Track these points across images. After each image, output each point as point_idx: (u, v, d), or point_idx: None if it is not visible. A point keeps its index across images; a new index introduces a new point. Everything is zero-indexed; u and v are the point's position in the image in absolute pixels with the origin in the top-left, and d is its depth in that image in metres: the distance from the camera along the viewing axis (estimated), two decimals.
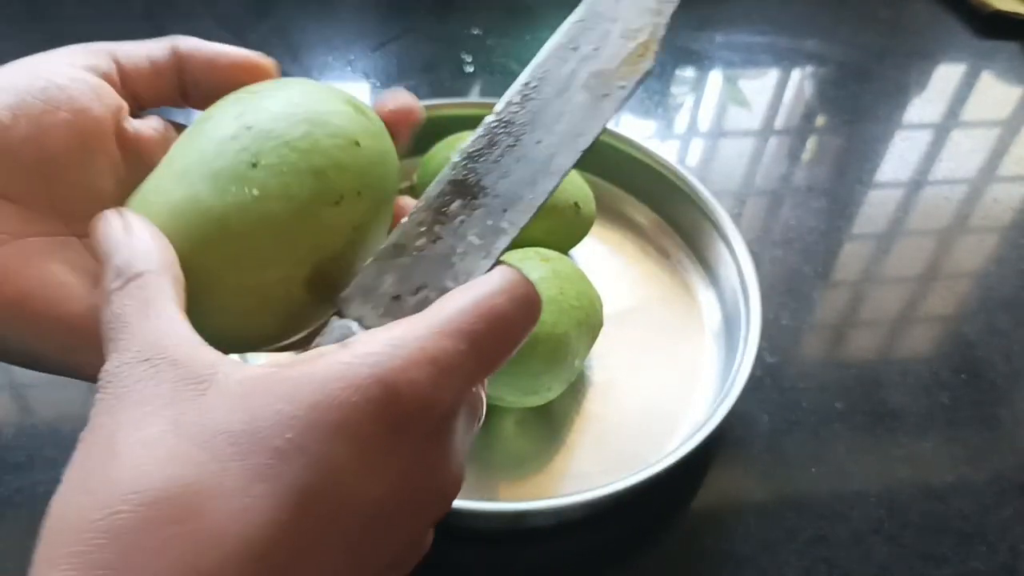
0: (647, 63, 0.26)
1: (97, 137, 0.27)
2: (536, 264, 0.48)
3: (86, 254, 0.27)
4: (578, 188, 0.55)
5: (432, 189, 0.26)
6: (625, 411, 0.50)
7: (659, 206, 0.61)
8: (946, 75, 0.84)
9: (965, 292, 0.63)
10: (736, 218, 0.66)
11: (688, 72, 0.81)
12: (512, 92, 0.27)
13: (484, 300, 0.22)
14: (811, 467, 0.50)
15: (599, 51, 0.27)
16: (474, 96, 0.75)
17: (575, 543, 0.47)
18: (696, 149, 0.74)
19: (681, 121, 0.76)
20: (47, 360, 0.26)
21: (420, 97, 0.61)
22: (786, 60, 0.84)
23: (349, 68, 0.77)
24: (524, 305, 0.23)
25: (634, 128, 0.75)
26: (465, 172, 0.26)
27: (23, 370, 0.53)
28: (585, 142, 0.26)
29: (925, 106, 0.80)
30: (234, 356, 0.27)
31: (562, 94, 0.27)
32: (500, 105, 0.27)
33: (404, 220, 0.26)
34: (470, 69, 0.77)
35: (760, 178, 0.71)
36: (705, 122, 0.77)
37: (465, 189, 0.26)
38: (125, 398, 0.20)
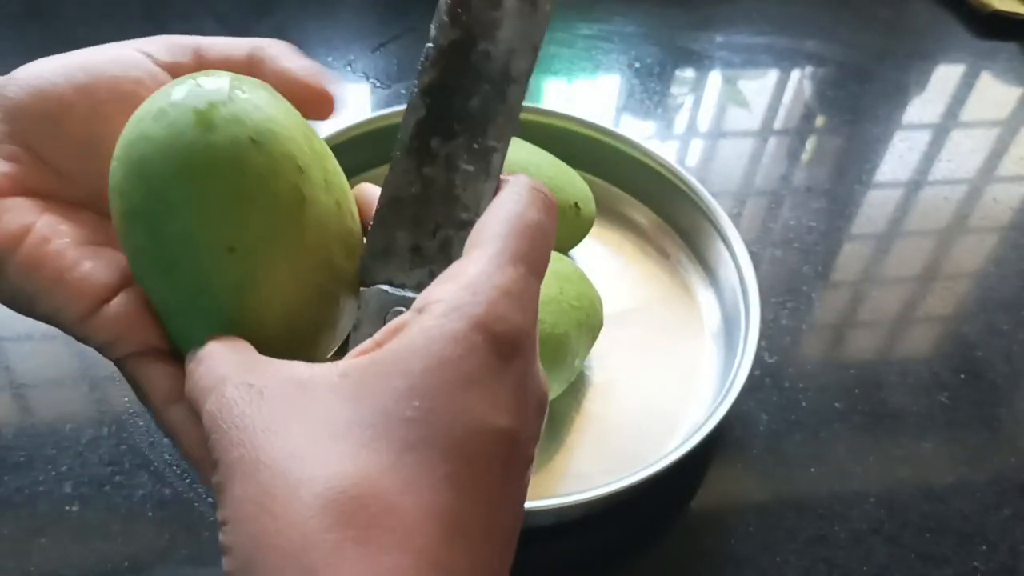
0: None
1: None
2: None
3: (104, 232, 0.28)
4: (578, 188, 0.55)
5: (403, 135, 0.26)
6: (625, 411, 0.50)
7: (659, 206, 0.61)
8: (946, 75, 0.84)
9: (965, 292, 0.63)
10: (736, 218, 0.66)
11: (688, 72, 0.81)
12: (439, 16, 0.26)
13: (517, 220, 0.23)
14: (811, 467, 0.50)
15: None
16: None
17: (575, 543, 0.47)
18: (696, 149, 0.74)
19: (681, 121, 0.76)
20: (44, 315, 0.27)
21: None
22: (786, 60, 0.84)
23: (349, 68, 0.77)
24: (546, 207, 0.24)
25: (634, 128, 0.75)
26: (427, 108, 0.26)
27: (23, 370, 0.53)
28: (536, 40, 0.26)
29: (925, 106, 0.80)
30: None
31: (492, 2, 0.26)
32: (433, 31, 0.26)
33: (387, 175, 0.26)
34: None
35: (760, 178, 0.71)
36: (705, 122, 0.77)
37: (436, 124, 0.26)
38: (246, 426, 0.21)
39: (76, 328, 0.27)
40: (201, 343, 0.25)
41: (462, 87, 0.26)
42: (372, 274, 0.26)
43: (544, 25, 0.26)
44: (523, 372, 0.22)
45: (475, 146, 0.26)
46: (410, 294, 0.25)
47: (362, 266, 0.26)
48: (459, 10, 0.26)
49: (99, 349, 0.27)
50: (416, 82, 0.26)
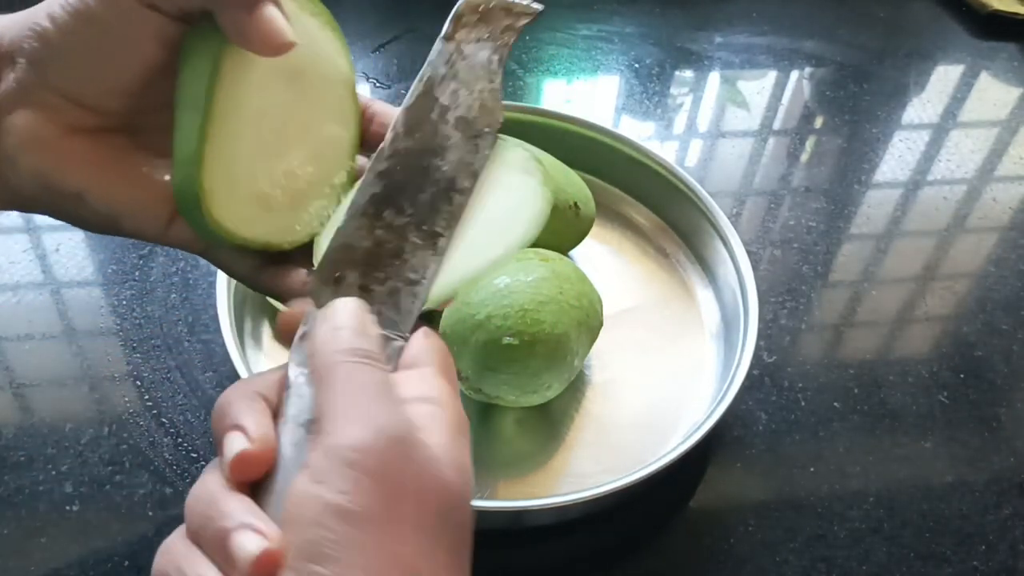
0: (499, 115, 0.33)
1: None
2: (536, 264, 0.48)
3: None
4: (578, 189, 0.55)
5: (358, 200, 0.31)
6: (625, 411, 0.51)
7: (658, 206, 0.61)
8: (945, 75, 0.84)
9: (964, 292, 0.63)
10: (735, 218, 0.66)
11: (687, 73, 0.81)
12: (396, 126, 0.32)
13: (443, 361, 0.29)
14: (810, 467, 0.50)
15: (455, 102, 0.33)
16: None
17: (575, 543, 0.47)
18: (695, 150, 0.74)
19: (680, 122, 0.77)
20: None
21: None
22: (785, 61, 0.84)
23: None
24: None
25: (633, 129, 0.75)
26: (382, 187, 0.32)
27: (23, 370, 0.53)
28: (476, 169, 0.32)
29: (924, 106, 0.80)
30: None
31: (437, 130, 0.32)
32: (389, 136, 0.32)
33: (342, 228, 0.31)
34: None
35: (759, 178, 0.71)
36: (704, 123, 0.77)
37: (391, 201, 0.31)
38: (376, 513, 0.24)
39: (160, 239, 0.32)
40: None
41: (414, 182, 0.32)
42: (318, 298, 0.30)
43: (483, 163, 0.32)
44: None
45: (424, 228, 0.31)
46: None
47: (310, 288, 0.31)
48: (413, 128, 0.32)
49: (182, 247, 0.33)
50: (373, 160, 0.32)
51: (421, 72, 0.33)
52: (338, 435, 0.24)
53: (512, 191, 0.33)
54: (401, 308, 0.30)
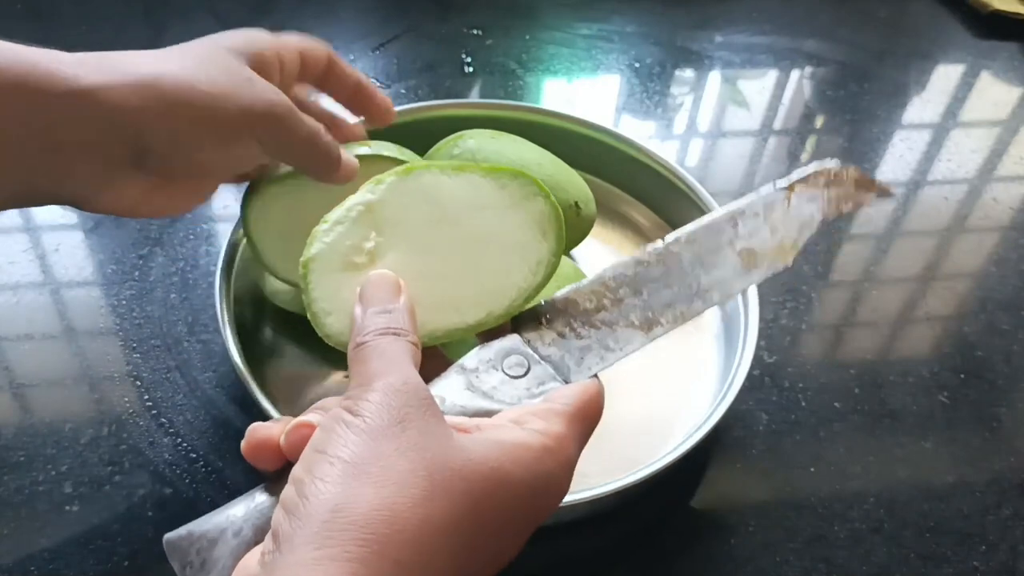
0: (789, 261, 0.34)
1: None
2: None
3: None
4: (578, 188, 0.55)
5: (608, 271, 0.34)
6: (625, 411, 0.50)
7: (659, 206, 0.61)
8: (946, 75, 0.84)
9: (965, 292, 0.63)
10: None
11: (688, 72, 0.81)
12: (681, 233, 0.34)
13: (593, 411, 0.32)
14: (810, 467, 0.50)
15: (752, 236, 0.34)
16: (474, 96, 0.75)
17: (575, 543, 0.47)
18: (696, 149, 0.74)
19: (681, 121, 0.77)
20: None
21: (420, 97, 0.62)
22: (786, 60, 0.84)
23: None
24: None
25: (634, 128, 0.75)
26: (635, 273, 0.34)
27: (23, 370, 0.53)
28: (731, 292, 0.34)
29: (924, 106, 0.80)
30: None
31: (718, 251, 0.34)
32: (671, 237, 0.34)
33: (579, 286, 0.33)
34: (470, 69, 0.77)
35: (760, 178, 0.71)
36: (704, 122, 0.77)
37: (633, 285, 0.33)
38: (380, 424, 0.27)
39: (131, 213, 0.40)
40: None
41: (664, 280, 0.34)
42: (523, 327, 0.33)
43: (741, 289, 0.35)
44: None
45: (648, 314, 0.33)
46: (533, 354, 0.33)
47: (519, 316, 0.34)
48: (696, 240, 0.34)
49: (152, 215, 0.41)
50: (641, 252, 0.34)
51: (737, 204, 0.34)
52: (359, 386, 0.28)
53: (518, 251, 0.34)
54: (583, 364, 0.33)
